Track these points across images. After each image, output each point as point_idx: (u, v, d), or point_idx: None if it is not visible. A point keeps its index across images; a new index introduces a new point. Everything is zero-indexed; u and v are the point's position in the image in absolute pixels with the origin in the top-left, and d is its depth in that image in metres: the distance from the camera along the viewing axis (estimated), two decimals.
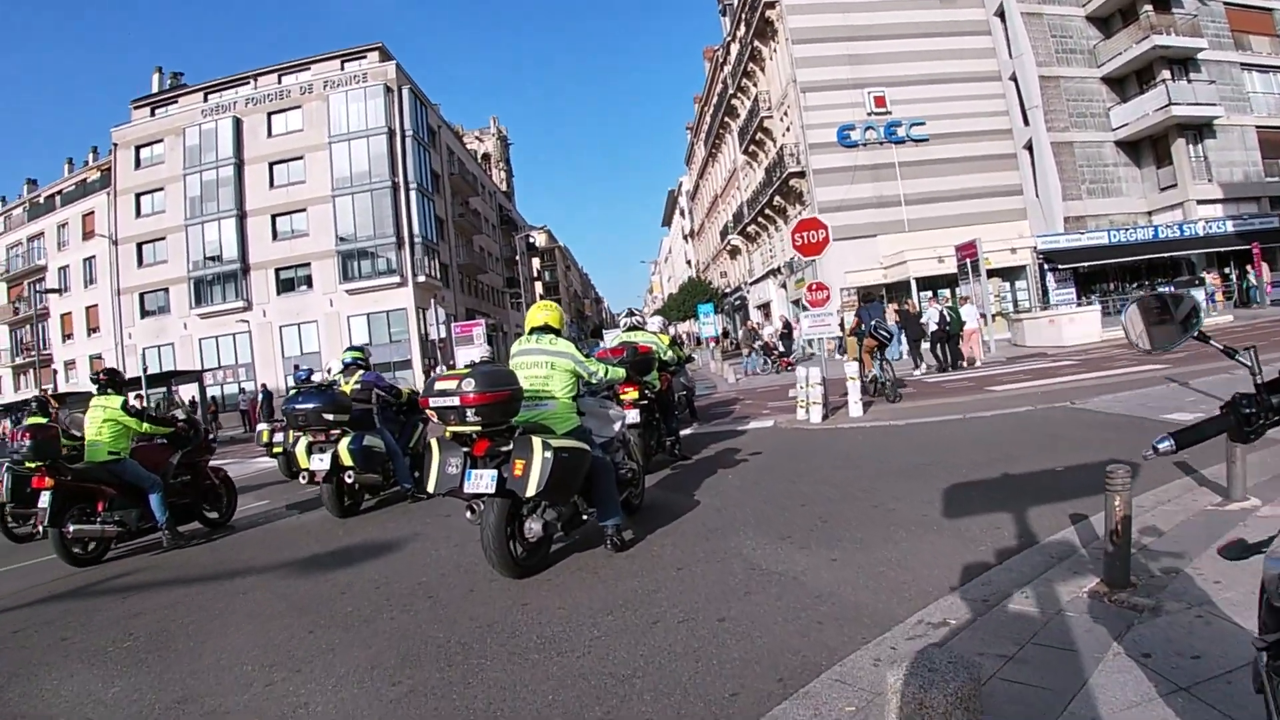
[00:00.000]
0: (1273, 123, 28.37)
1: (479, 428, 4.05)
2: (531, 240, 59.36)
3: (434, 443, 4.28)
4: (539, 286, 73.92)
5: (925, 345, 16.55)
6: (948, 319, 15.96)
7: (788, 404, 12.03)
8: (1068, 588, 3.13)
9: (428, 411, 4.26)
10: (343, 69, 34.44)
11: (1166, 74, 26.04)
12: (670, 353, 8.47)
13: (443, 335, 24.19)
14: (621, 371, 5.22)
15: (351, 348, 7.96)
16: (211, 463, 7.51)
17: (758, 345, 23.07)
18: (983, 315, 18.47)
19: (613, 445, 5.08)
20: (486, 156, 63.65)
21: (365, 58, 34.76)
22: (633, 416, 6.77)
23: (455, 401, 3.99)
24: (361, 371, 7.55)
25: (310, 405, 6.63)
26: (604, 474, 4.56)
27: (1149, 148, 26.96)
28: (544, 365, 4.58)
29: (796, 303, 28.68)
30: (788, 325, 23.99)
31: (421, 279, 31.83)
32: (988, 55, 26.72)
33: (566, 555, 4.67)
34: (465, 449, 4.15)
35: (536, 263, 73.62)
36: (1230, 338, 15.40)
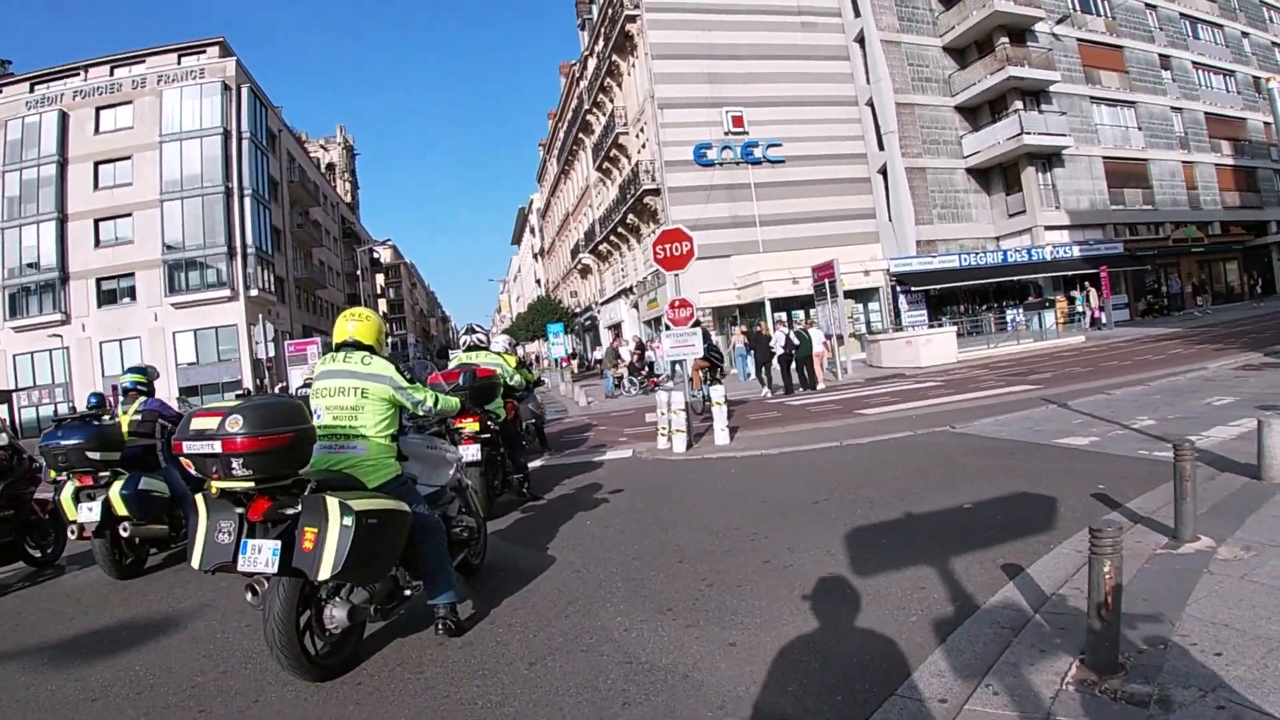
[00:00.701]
0: (1118, 154, 29.59)
1: (251, 484, 2.94)
2: (376, 255, 56.81)
3: (200, 500, 3.12)
4: (383, 303, 71.49)
5: (775, 367, 16.32)
6: (795, 342, 16.02)
7: (645, 430, 11.30)
8: (1043, 675, 2.51)
9: (182, 460, 3.03)
10: (179, 63, 31.68)
11: (1019, 104, 26.66)
12: (517, 376, 7.33)
13: (271, 353, 22.01)
14: (455, 401, 4.18)
15: (133, 369, 6.47)
16: (37, 494, 6.46)
17: (624, 365, 21.57)
18: (837, 336, 18.31)
19: (445, 496, 4.14)
20: (331, 166, 60.87)
21: (204, 52, 32.08)
22: (473, 453, 5.88)
23: (215, 447, 2.87)
24: (143, 399, 6.14)
25: (71, 441, 5.42)
26: (432, 538, 3.58)
27: (999, 175, 27.51)
28: (352, 393, 3.52)
29: (649, 323, 27.88)
30: (641, 346, 23.00)
31: (254, 292, 29.36)
32: (845, 80, 26.69)
33: (384, 642, 3.60)
34: (240, 509, 3.04)
35: (381, 279, 71.14)
36: (1090, 358, 15.67)
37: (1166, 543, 3.73)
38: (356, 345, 3.64)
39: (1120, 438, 6.64)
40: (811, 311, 21.91)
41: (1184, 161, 31.93)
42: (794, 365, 16.03)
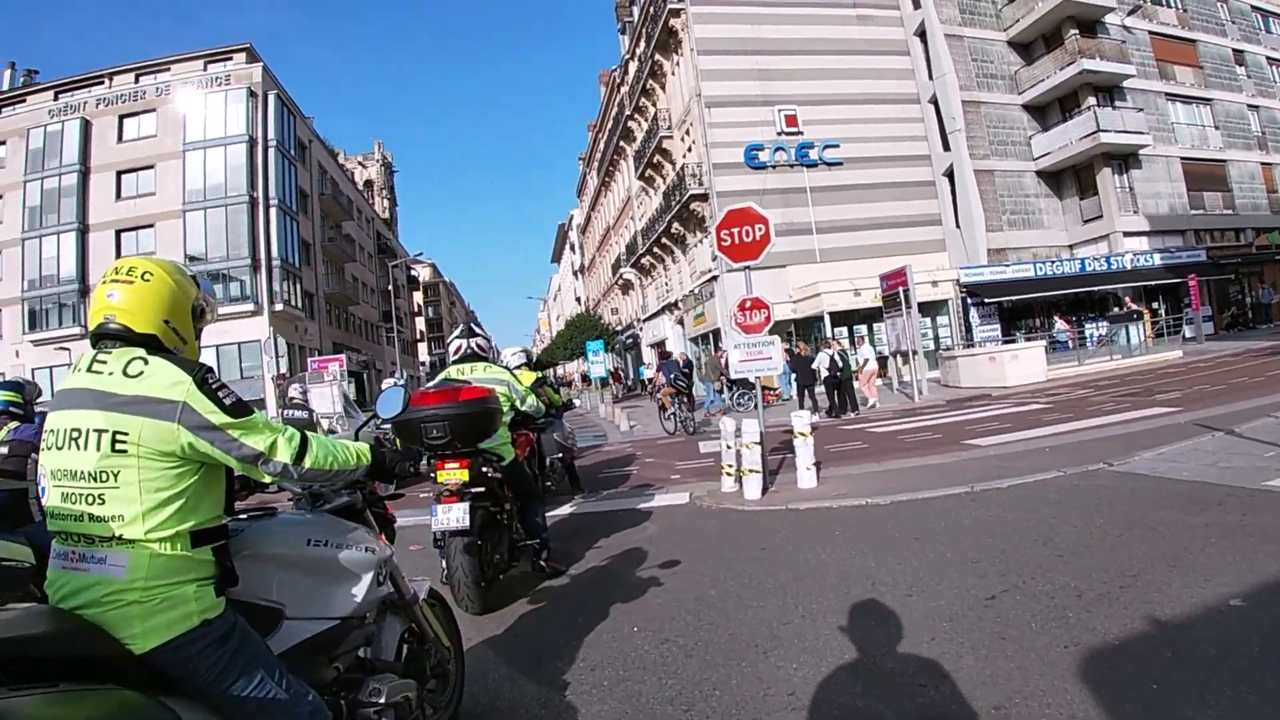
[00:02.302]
0: (1196, 154, 27.49)
1: None
2: (413, 272, 55.26)
3: None
4: (420, 322, 69.99)
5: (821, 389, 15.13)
6: (839, 364, 14.83)
7: (701, 465, 9.43)
8: None
9: None
10: (205, 70, 30.81)
11: (1093, 100, 24.74)
12: (531, 399, 5.11)
13: (283, 370, 20.52)
14: (356, 453, 2.07)
15: (4, 384, 4.74)
16: None
17: (722, 379, 18.68)
18: (910, 352, 16.54)
19: (350, 637, 2.13)
20: (369, 183, 60.25)
21: (231, 59, 31.18)
22: (456, 517, 3.91)
23: None
24: (15, 424, 4.36)
25: None
26: None
27: (1071, 178, 25.52)
28: (94, 441, 1.66)
29: (695, 340, 26.14)
30: (689, 363, 21.25)
31: (279, 307, 28.06)
32: (906, 76, 24.95)
33: None
34: None
35: (419, 297, 69.38)
36: (1205, 375, 13.76)
37: None
38: (124, 335, 1.76)
39: None
40: (886, 323, 20.20)
41: (1263, 163, 29.72)
42: (837, 387, 14.81)
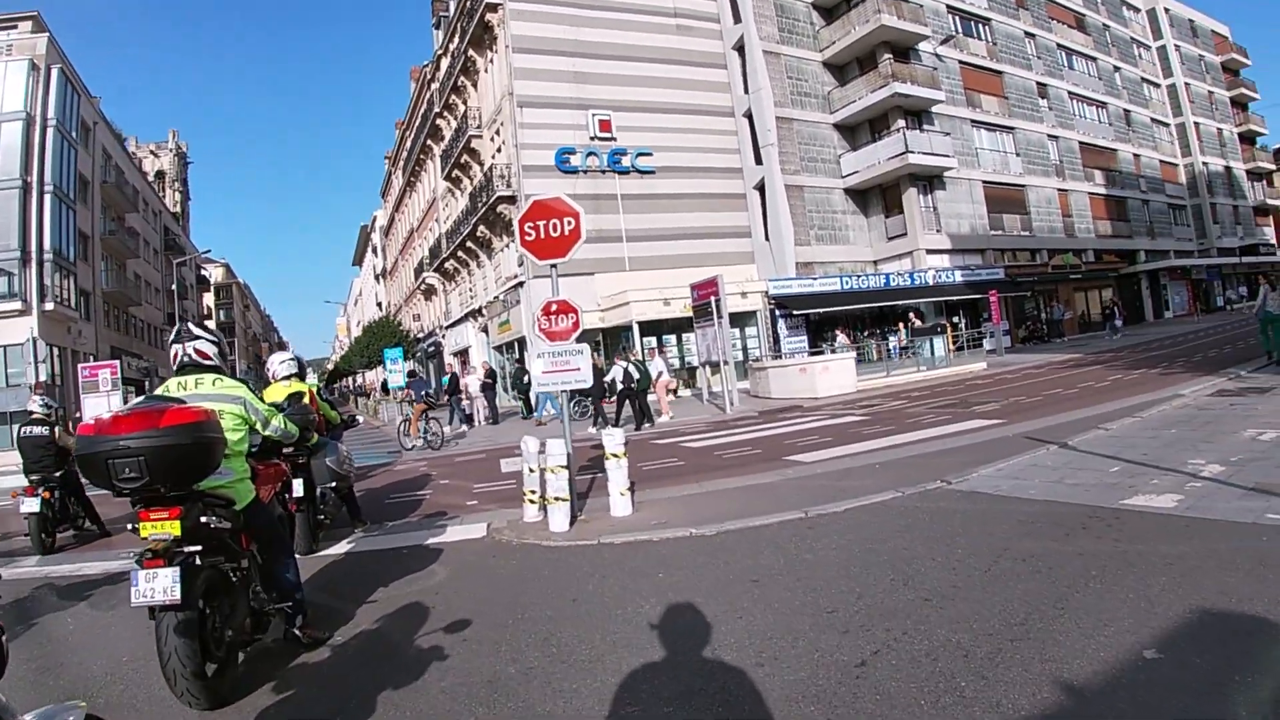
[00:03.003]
0: (998, 179, 29.51)
1: None
2: (204, 272, 51.82)
3: None
4: (211, 325, 66.34)
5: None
6: (634, 374, 14.59)
7: (502, 486, 8.70)
8: None
9: None
10: None
11: (902, 123, 25.99)
12: (275, 422, 4.01)
13: (43, 378, 18.34)
14: None
15: None
16: None
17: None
18: (710, 364, 16.77)
19: None
20: (161, 174, 56.04)
21: (16, 27, 28.02)
22: (160, 588, 2.82)
23: None
24: None
25: None
26: None
27: (878, 196, 26.76)
28: None
29: (499, 348, 25.62)
30: (491, 374, 20.70)
31: (50, 306, 25.34)
32: (722, 89, 25.41)
33: None
34: None
35: (209, 299, 65.60)
36: (1017, 386, 13.83)
37: None
38: None
39: (1206, 493, 4.83)
40: (698, 333, 20.30)
41: (1060, 189, 32.38)
42: (632, 398, 14.54)
